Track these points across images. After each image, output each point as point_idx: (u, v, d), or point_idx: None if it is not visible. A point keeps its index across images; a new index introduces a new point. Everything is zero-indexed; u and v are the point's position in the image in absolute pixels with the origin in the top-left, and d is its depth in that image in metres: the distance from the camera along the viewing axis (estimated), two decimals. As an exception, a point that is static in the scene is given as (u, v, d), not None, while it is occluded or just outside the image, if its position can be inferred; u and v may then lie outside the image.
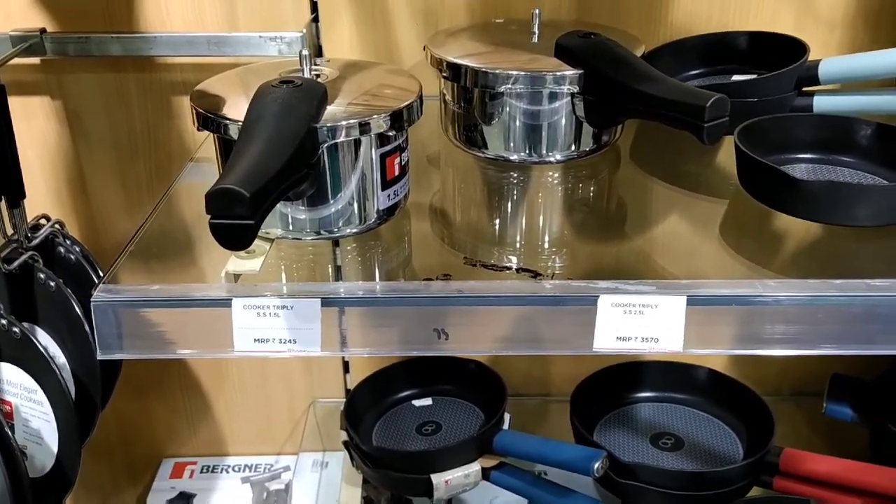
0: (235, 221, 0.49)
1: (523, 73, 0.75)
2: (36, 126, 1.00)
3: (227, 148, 0.65)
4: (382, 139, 0.65)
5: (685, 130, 0.67)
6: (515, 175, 0.82)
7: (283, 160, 0.55)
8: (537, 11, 0.83)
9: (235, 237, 0.50)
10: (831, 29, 0.94)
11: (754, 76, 0.89)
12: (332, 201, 0.65)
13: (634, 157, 0.88)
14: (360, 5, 0.94)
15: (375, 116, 0.63)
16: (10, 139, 0.81)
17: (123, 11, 0.94)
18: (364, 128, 0.63)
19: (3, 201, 0.83)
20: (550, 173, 0.82)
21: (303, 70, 0.68)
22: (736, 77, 0.90)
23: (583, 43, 0.76)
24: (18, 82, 0.96)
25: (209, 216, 0.50)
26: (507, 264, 0.65)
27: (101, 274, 0.91)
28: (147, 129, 1.00)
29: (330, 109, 0.64)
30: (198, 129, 0.65)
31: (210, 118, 0.63)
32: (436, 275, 0.62)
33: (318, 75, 0.70)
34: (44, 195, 1.03)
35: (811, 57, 0.82)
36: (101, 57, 0.94)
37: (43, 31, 0.92)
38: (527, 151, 0.79)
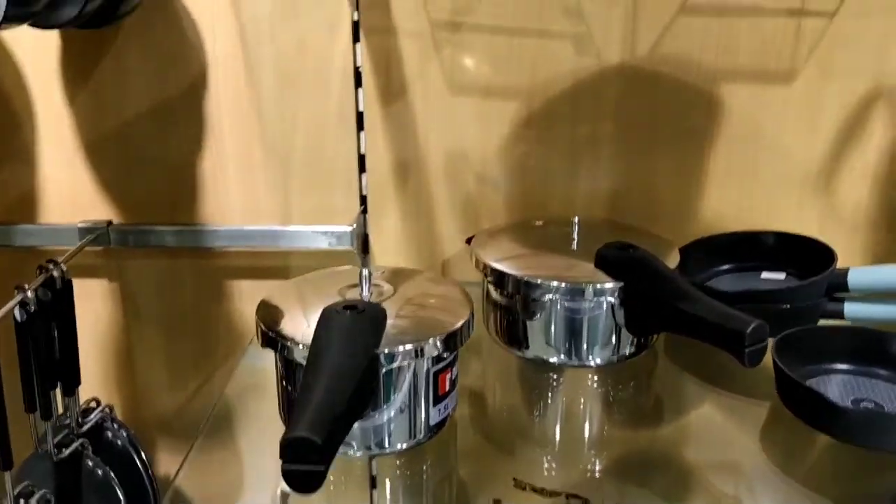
0: (308, 468, 0.52)
1: (565, 283, 0.79)
2: (91, 307, 1.04)
3: (287, 365, 0.68)
4: (436, 358, 0.68)
5: (725, 351, 0.70)
6: (555, 376, 0.85)
7: (347, 396, 0.58)
8: (577, 219, 0.88)
9: (307, 482, 0.52)
10: (854, 230, 0.99)
11: (783, 274, 0.93)
12: (384, 419, 0.67)
13: (669, 354, 0.90)
14: (405, 200, 1.00)
15: (431, 340, 0.67)
16: (72, 332, 0.85)
17: (187, 202, 1.00)
18: (420, 352, 0.66)
19: (59, 387, 0.86)
20: (590, 375, 0.85)
21: (361, 288, 0.72)
22: (765, 274, 0.94)
23: (622, 256, 0.80)
24: (80, 266, 1.00)
25: (282, 461, 0.52)
26: (556, 489, 0.66)
27: (145, 458, 0.92)
28: (197, 310, 1.04)
29: (387, 330, 0.67)
30: (262, 346, 0.68)
31: (274, 339, 0.67)
32: (490, 500, 0.64)
33: (374, 287, 0.74)
34: (92, 371, 1.06)
35: (837, 258, 0.86)
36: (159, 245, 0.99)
37: (109, 223, 0.97)
38: (567, 354, 0.82)
